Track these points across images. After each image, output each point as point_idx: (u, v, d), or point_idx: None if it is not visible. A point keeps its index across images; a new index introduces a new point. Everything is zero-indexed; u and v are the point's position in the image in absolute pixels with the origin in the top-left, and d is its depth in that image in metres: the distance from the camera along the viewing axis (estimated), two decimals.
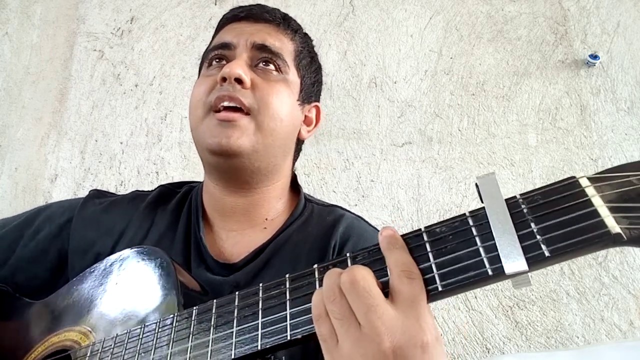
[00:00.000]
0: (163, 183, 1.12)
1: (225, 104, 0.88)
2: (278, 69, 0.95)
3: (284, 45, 0.98)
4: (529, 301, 1.64)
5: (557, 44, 1.96)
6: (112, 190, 1.92)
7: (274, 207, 1.00)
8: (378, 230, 0.99)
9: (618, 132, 1.82)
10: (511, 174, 1.81)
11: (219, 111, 0.89)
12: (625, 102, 1.85)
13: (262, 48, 0.95)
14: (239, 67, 0.90)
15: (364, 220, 1.03)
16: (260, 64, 0.94)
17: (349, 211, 1.03)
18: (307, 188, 1.82)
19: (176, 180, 1.89)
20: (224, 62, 0.95)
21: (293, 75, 0.98)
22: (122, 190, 1.93)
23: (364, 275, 0.54)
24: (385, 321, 0.51)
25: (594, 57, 1.88)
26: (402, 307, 0.52)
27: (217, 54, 0.96)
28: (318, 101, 1.08)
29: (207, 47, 1.05)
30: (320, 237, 0.94)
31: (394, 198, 1.82)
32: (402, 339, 0.51)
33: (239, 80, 0.89)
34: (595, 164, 1.79)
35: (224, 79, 0.90)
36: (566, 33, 1.97)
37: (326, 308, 0.54)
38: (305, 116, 1.03)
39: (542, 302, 1.64)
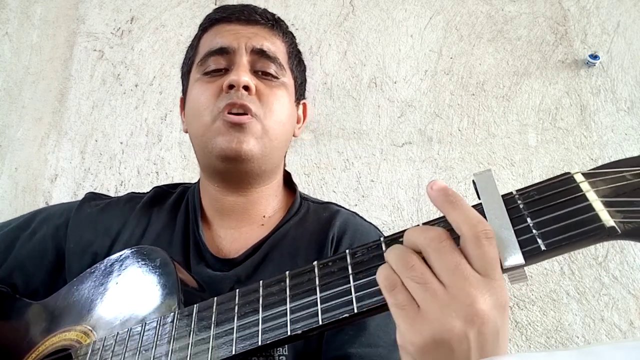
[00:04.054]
0: (159, 184, 1.13)
1: (235, 111, 0.90)
2: (276, 74, 0.98)
3: (278, 48, 1.01)
4: (529, 301, 1.64)
5: (557, 44, 1.96)
6: (112, 190, 1.94)
7: (270, 205, 1.03)
8: (372, 225, 1.03)
9: (618, 132, 1.82)
10: (511, 174, 1.81)
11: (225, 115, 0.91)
12: (625, 102, 1.85)
13: (260, 53, 0.97)
14: (245, 75, 0.92)
15: (359, 215, 1.06)
16: (260, 70, 0.96)
17: (343, 207, 1.07)
18: (307, 188, 1.83)
19: (176, 180, 1.90)
20: (223, 66, 0.96)
21: (288, 78, 1.02)
22: (123, 190, 1.93)
23: (447, 233, 0.52)
24: (472, 281, 0.49)
25: (594, 57, 1.88)
26: (483, 269, 0.50)
27: (215, 59, 0.97)
28: (305, 98, 1.13)
29: (193, 45, 1.06)
30: (317, 232, 0.97)
31: (394, 198, 1.82)
32: (489, 300, 0.48)
33: (246, 88, 0.91)
34: (595, 164, 1.77)
35: (230, 86, 0.91)
36: (566, 33, 1.97)
37: (400, 277, 0.51)
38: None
39: (542, 302, 1.63)
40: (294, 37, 1.09)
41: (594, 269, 1.65)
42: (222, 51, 0.96)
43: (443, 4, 2.07)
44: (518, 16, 2.02)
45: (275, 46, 1.00)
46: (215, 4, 2.15)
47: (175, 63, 2.10)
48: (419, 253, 0.53)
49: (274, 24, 1.03)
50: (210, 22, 1.04)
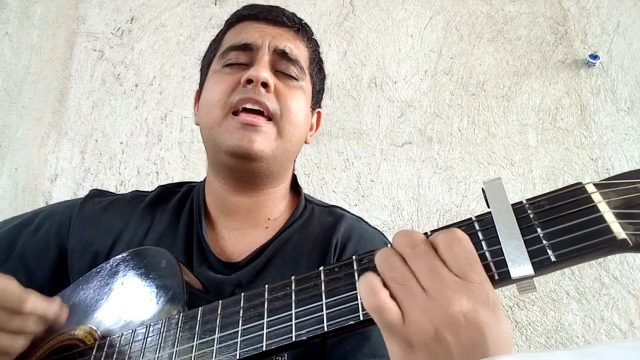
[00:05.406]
0: (163, 183, 1.12)
1: (249, 106, 0.89)
2: (296, 76, 0.96)
3: (301, 52, 1.00)
4: (529, 301, 1.64)
5: (557, 44, 1.96)
6: (112, 190, 1.93)
7: (277, 208, 1.02)
8: (378, 231, 1.02)
9: (618, 132, 1.82)
10: (511, 174, 1.81)
11: (238, 112, 0.90)
12: (625, 102, 1.85)
13: (282, 54, 0.96)
14: (265, 71, 0.91)
15: (364, 221, 1.04)
16: (281, 70, 0.95)
17: (348, 212, 1.05)
18: (307, 188, 1.82)
19: (176, 180, 1.90)
20: (244, 62, 0.95)
21: (307, 83, 1.00)
22: (122, 190, 1.93)
23: (421, 237, 0.54)
24: (449, 284, 0.49)
25: (594, 57, 1.88)
26: (460, 272, 0.50)
27: (237, 54, 0.96)
28: (320, 107, 1.11)
29: (217, 39, 1.05)
30: (321, 236, 0.96)
31: (394, 198, 1.82)
32: (467, 303, 0.49)
33: (264, 84, 0.90)
34: (595, 164, 1.79)
35: (249, 81, 0.90)
36: (566, 33, 1.97)
37: (383, 277, 0.52)
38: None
39: (542, 302, 1.64)
40: (318, 45, 1.08)
41: (594, 269, 1.66)
42: (246, 47, 0.95)
43: (443, 4, 2.07)
44: (518, 16, 2.02)
45: (298, 49, 0.99)
46: (216, 4, 2.15)
47: (175, 63, 2.10)
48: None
49: (300, 28, 1.02)
50: (237, 18, 1.03)
